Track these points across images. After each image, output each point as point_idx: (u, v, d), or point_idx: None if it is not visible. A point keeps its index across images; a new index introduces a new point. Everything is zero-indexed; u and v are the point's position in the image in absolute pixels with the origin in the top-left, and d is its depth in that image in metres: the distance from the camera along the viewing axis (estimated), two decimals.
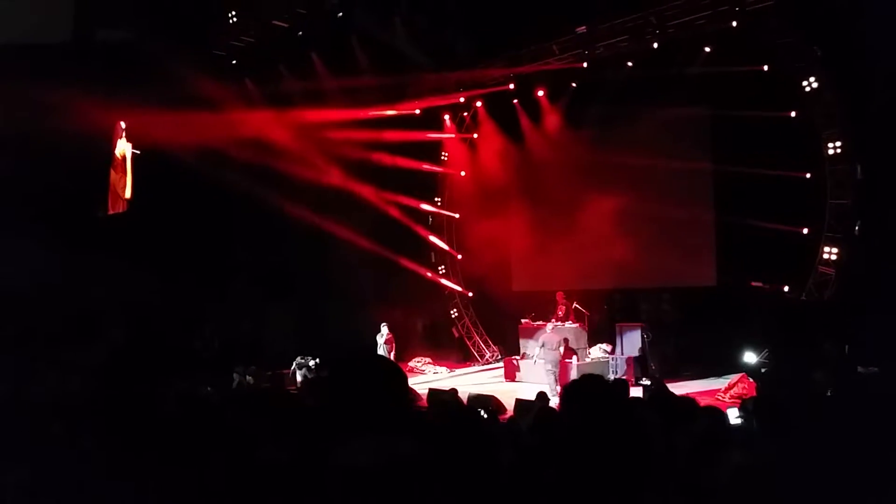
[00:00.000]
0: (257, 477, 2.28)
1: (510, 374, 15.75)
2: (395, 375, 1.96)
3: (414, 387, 13.10)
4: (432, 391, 12.12)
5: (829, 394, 6.84)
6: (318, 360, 14.62)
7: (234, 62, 16.86)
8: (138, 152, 16.85)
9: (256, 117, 15.56)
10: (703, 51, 13.63)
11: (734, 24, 12.74)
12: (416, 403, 12.13)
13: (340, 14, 15.42)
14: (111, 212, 19.15)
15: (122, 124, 18.45)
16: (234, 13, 16.00)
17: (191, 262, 15.14)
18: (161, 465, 2.74)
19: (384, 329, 15.45)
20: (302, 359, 15.21)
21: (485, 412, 8.04)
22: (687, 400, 4.04)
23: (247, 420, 3.69)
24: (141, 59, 14.45)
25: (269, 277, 16.20)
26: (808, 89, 12.65)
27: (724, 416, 3.43)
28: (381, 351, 14.81)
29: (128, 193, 18.24)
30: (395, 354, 15.06)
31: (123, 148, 18.61)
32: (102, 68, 15.00)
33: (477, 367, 17.95)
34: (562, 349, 13.35)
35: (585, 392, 2.28)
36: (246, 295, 15.79)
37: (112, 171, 19.00)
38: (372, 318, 15.90)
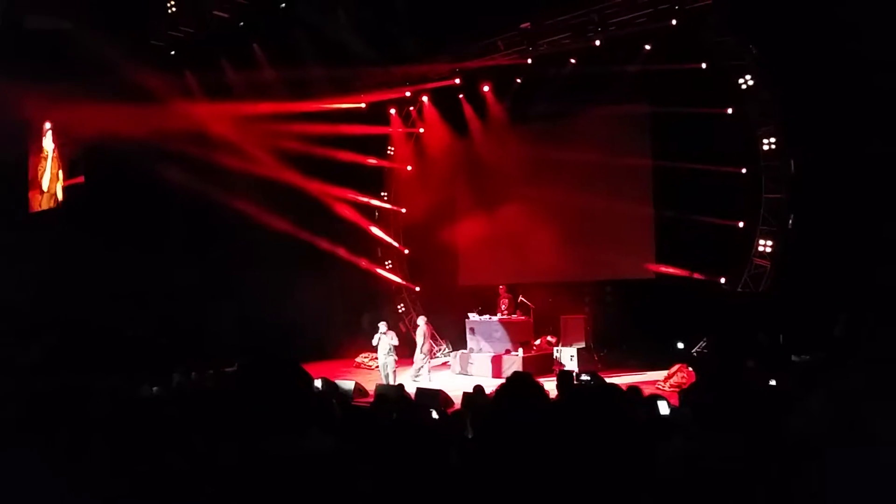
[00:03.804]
0: (194, 475, 2.24)
1: (459, 369, 15.79)
2: (296, 377, 1.96)
3: (362, 383, 13.06)
4: (379, 387, 12.06)
5: (770, 384, 7.02)
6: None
7: (172, 53, 16.44)
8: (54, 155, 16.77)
9: (196, 110, 15.23)
10: (644, 48, 13.90)
11: (674, 22, 13.05)
12: (364, 400, 12.10)
13: (283, 5, 15.19)
14: (40, 208, 18.61)
15: (48, 124, 18.09)
16: (173, 3, 15.60)
17: (129, 257, 14.72)
18: (95, 465, 2.66)
19: (421, 321, 14.33)
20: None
21: (433, 408, 8.06)
22: (630, 389, 4.13)
23: (186, 419, 3.61)
24: (76, 49, 13.98)
25: (211, 274, 15.86)
26: (744, 87, 13.03)
27: (662, 405, 3.51)
28: (419, 346, 14.00)
29: (45, 186, 18.00)
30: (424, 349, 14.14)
31: (47, 147, 18.29)
32: (34, 58, 14.48)
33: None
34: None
35: (516, 387, 2.31)
36: (187, 291, 15.44)
37: (39, 168, 18.56)
38: (317, 313, 15.73)
